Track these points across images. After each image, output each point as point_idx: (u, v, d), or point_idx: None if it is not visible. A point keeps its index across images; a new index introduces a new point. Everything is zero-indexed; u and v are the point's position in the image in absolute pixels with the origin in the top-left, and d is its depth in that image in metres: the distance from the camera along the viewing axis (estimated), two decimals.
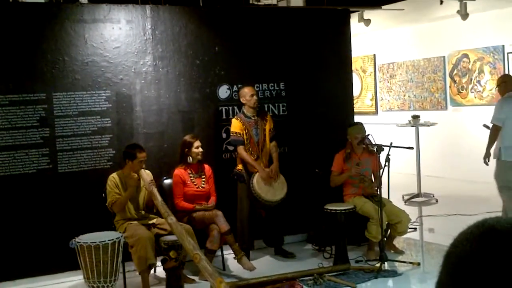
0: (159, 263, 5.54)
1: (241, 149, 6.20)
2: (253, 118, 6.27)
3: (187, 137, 6.04)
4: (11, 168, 5.70)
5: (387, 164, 6.16)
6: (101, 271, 4.83)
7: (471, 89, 10.52)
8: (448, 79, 10.97)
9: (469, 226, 0.92)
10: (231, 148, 6.52)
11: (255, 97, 6.28)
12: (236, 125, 6.22)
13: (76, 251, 4.89)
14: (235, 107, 6.47)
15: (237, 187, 6.27)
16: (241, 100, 6.31)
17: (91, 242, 4.83)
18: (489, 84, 10.22)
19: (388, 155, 6.08)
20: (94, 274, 4.83)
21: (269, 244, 6.52)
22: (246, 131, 6.20)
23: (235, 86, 6.59)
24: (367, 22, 9.95)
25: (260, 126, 6.29)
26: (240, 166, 6.27)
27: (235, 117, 6.33)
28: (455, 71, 10.81)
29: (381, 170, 6.05)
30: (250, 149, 6.22)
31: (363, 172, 6.41)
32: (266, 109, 6.83)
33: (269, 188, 6.15)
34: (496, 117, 6.35)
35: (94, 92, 6.01)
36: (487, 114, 6.99)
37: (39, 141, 5.80)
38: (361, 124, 6.60)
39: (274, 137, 6.39)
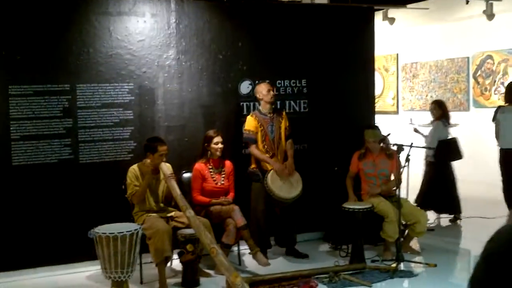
0: (175, 256, 5.59)
1: (252, 147, 6.17)
2: (268, 115, 6.25)
3: (210, 132, 6.06)
4: (34, 157, 5.78)
5: (407, 164, 6.15)
6: (118, 262, 4.88)
7: (494, 91, 10.42)
8: (471, 80, 10.87)
9: (508, 225, 0.92)
10: (246, 151, 6.40)
11: (271, 92, 6.26)
12: (250, 123, 6.19)
13: (94, 241, 4.95)
14: (256, 103, 6.48)
15: (251, 187, 6.24)
16: (257, 96, 6.28)
17: (109, 233, 4.88)
18: None
19: (408, 155, 6.07)
20: (111, 264, 4.89)
21: (280, 244, 6.44)
22: (262, 128, 6.18)
23: (257, 82, 6.59)
24: (391, 20, 9.91)
25: (276, 123, 6.26)
26: (253, 165, 6.26)
27: (251, 114, 6.30)
28: (479, 72, 10.71)
29: (401, 170, 6.05)
30: (266, 146, 6.19)
31: (380, 172, 6.41)
32: (287, 105, 6.84)
33: (283, 186, 6.11)
34: None
35: (117, 84, 6.07)
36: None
37: (61, 131, 5.88)
38: (377, 127, 6.59)
39: (291, 135, 6.36)
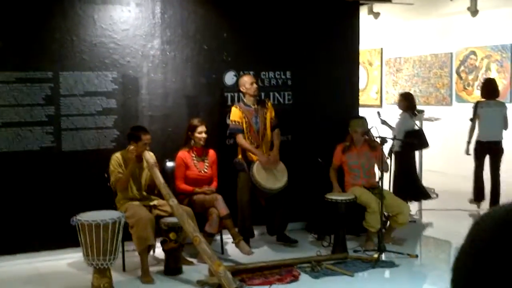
0: (158, 244, 5.59)
1: (240, 138, 6.19)
2: (253, 106, 6.26)
3: (194, 121, 6.06)
4: (15, 144, 5.75)
5: (389, 157, 6.22)
6: (100, 249, 4.87)
7: (477, 86, 10.51)
8: (454, 76, 10.96)
9: (495, 209, 0.87)
10: (230, 142, 6.45)
11: (255, 85, 6.27)
12: (235, 114, 6.20)
13: (77, 228, 4.93)
14: (241, 94, 6.49)
15: (237, 177, 6.26)
16: (241, 89, 6.30)
17: (92, 220, 4.87)
18: None
19: (391, 147, 6.12)
20: (93, 252, 4.88)
21: (271, 232, 6.46)
22: (246, 119, 6.19)
23: (241, 73, 6.60)
24: (376, 15, 9.95)
25: (261, 114, 6.27)
26: (240, 156, 6.27)
27: (235, 105, 6.32)
28: (462, 68, 10.80)
29: (386, 161, 6.15)
30: (250, 137, 6.21)
31: (363, 164, 6.45)
32: (271, 97, 6.85)
33: (269, 176, 6.14)
34: None
35: (101, 73, 6.05)
36: None
37: (44, 119, 5.85)
38: (364, 118, 6.63)
39: (277, 126, 6.39)
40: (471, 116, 7.88)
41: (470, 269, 0.84)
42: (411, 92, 11.02)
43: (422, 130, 8.07)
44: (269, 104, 6.43)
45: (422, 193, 7.90)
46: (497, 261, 0.80)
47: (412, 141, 7.31)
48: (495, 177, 7.70)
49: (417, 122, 8.13)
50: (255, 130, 6.22)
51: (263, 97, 6.66)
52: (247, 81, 6.25)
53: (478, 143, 7.80)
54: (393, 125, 7.96)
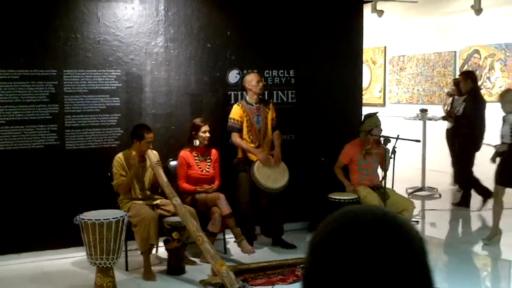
0: (161, 243, 5.59)
1: (235, 136, 6.16)
2: (255, 105, 6.24)
3: (197, 120, 6.05)
4: (19, 142, 5.74)
5: (392, 156, 6.20)
6: (103, 249, 4.87)
7: (481, 86, 10.48)
8: (458, 74, 10.92)
9: (338, 211, 0.96)
10: (232, 141, 6.33)
11: (261, 83, 6.25)
12: (235, 112, 6.18)
13: (80, 227, 4.93)
14: (244, 92, 6.47)
15: (237, 176, 6.21)
16: (246, 85, 6.26)
17: (95, 219, 4.87)
18: (499, 81, 10.19)
19: (394, 147, 6.11)
20: (97, 251, 4.87)
21: (266, 234, 6.40)
22: (247, 118, 6.17)
23: (245, 71, 6.58)
24: (380, 13, 9.91)
25: (263, 114, 6.24)
26: (240, 155, 6.24)
27: (237, 103, 6.30)
28: (466, 67, 10.77)
29: (388, 161, 6.12)
30: (251, 136, 6.19)
31: (372, 163, 6.43)
32: (274, 95, 6.84)
33: (270, 176, 6.11)
34: None
35: (104, 70, 6.04)
36: (496, 110, 6.99)
37: (48, 117, 5.84)
38: (376, 114, 6.56)
39: (278, 126, 6.37)
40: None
41: (310, 272, 0.93)
42: (414, 91, 11.01)
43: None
44: (271, 104, 6.41)
45: None
46: (330, 262, 0.89)
47: None
48: None
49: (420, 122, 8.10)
50: (256, 129, 6.20)
51: (266, 95, 6.64)
52: (253, 79, 6.22)
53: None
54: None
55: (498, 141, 6.54)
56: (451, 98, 9.06)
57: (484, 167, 7.16)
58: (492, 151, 6.67)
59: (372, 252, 0.88)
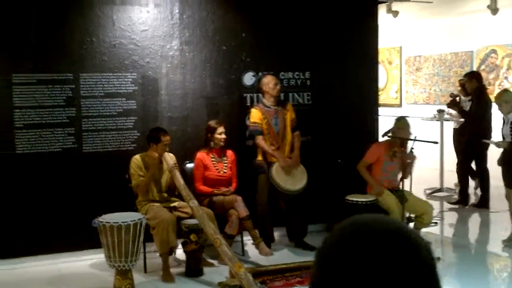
0: (179, 246, 5.59)
1: (259, 139, 6.13)
2: (273, 108, 6.22)
3: (212, 122, 6.04)
4: (37, 146, 5.78)
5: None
6: (122, 251, 4.88)
7: (498, 85, 10.39)
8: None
9: (347, 220, 0.95)
10: (249, 143, 6.38)
11: (278, 86, 6.21)
12: (255, 115, 6.14)
13: (98, 230, 4.94)
14: (260, 95, 6.45)
15: (257, 178, 6.19)
16: (263, 88, 6.22)
17: (113, 222, 4.88)
18: None
19: (412, 148, 6.05)
20: (115, 253, 4.88)
21: (291, 238, 6.35)
22: (266, 121, 6.14)
23: (260, 74, 6.57)
24: (395, 13, 9.89)
25: (281, 116, 6.21)
26: (260, 157, 6.21)
27: (254, 107, 6.26)
28: (483, 67, 10.68)
29: (411, 171, 6.10)
30: (270, 139, 6.15)
31: (397, 166, 6.35)
32: (290, 98, 6.81)
33: (288, 178, 6.08)
34: None
35: (120, 74, 6.06)
36: None
37: (65, 120, 5.87)
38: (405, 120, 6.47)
39: (297, 127, 6.33)
40: None
41: (317, 279, 0.93)
42: (431, 91, 10.95)
43: None
44: (289, 105, 6.37)
45: None
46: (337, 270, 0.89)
47: None
48: None
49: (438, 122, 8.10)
50: (275, 132, 6.17)
51: (282, 97, 6.62)
52: (271, 81, 6.18)
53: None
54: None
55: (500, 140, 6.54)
56: (457, 98, 9.02)
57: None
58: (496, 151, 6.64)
59: (379, 264, 0.87)
